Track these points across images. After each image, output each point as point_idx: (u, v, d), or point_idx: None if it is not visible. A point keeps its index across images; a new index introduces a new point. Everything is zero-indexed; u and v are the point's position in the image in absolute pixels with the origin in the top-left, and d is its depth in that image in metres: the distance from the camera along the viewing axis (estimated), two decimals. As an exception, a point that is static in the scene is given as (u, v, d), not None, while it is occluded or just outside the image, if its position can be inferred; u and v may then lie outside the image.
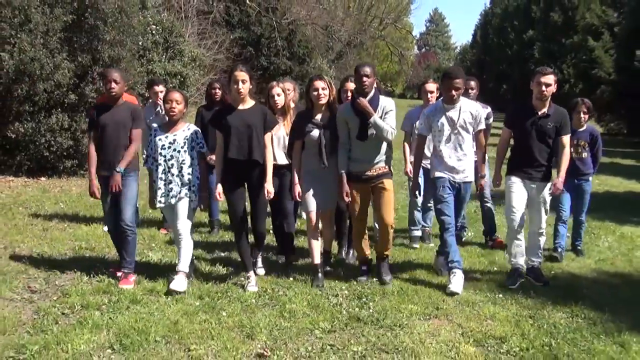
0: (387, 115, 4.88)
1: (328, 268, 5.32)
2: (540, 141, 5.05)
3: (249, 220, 5.08)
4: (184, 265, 4.83)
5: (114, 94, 4.99)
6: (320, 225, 5.21)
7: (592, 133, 6.02)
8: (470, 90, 6.10)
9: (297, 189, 5.09)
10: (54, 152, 10.01)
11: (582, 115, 5.86)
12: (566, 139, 5.12)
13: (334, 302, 4.53)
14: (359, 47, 40.21)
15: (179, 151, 4.89)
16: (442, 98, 5.14)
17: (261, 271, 5.24)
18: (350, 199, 4.99)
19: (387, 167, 5.02)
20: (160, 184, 4.90)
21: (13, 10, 9.24)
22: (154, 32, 18.61)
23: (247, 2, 27.32)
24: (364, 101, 4.78)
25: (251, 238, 5.13)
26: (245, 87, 4.76)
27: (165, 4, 23.52)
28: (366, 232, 5.19)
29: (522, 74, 31.69)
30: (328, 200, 5.14)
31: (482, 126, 5.12)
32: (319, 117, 5.03)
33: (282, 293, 4.70)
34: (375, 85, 5.00)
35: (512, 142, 5.37)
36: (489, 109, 6.26)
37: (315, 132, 4.98)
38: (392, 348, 3.69)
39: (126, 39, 10.95)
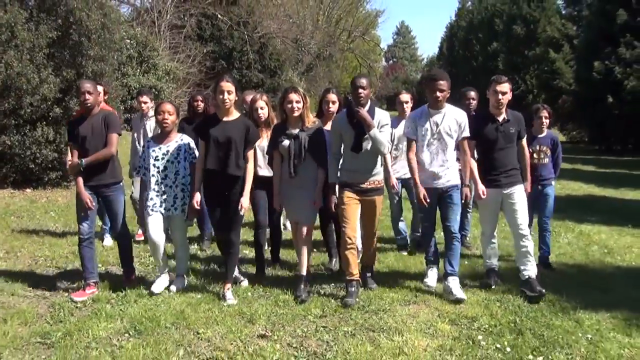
0: (383, 129, 4.88)
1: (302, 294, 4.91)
2: (507, 146, 5.11)
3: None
4: (181, 268, 5.16)
5: (88, 104, 4.97)
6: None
7: (552, 139, 6.06)
8: (471, 101, 6.24)
9: (277, 199, 5.15)
10: (39, 164, 10.26)
11: (543, 120, 5.91)
12: (524, 141, 5.32)
13: (322, 292, 4.99)
14: (329, 59, 40.80)
15: (172, 162, 4.98)
16: (427, 103, 5.10)
17: (231, 299, 4.78)
18: (335, 209, 4.97)
19: (381, 182, 5.05)
20: (153, 194, 4.95)
21: (0, 28, 9.53)
22: (128, 46, 18.92)
23: (219, 16, 27.67)
24: (365, 112, 4.77)
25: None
26: (230, 98, 4.77)
27: (139, 18, 23.86)
28: (354, 243, 4.95)
29: (487, 85, 32.57)
30: (301, 213, 5.09)
31: (466, 133, 5.03)
32: (292, 128, 5.04)
33: (274, 288, 5.09)
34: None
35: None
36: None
37: (286, 143, 4.99)
38: (378, 328, 4.17)
39: (108, 54, 11.31)
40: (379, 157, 4.99)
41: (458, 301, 4.73)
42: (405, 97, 6.48)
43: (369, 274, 5.25)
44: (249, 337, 3.99)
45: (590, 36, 21.95)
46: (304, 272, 5.02)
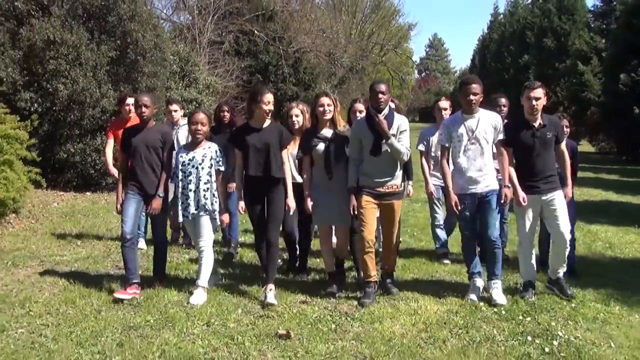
0: (402, 135, 4.98)
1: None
2: (544, 152, 5.04)
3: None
4: (203, 280, 5.06)
5: (145, 117, 5.26)
6: (334, 240, 5.46)
7: (572, 146, 5.98)
8: (502, 107, 6.16)
9: (309, 202, 5.23)
10: (98, 170, 11.41)
11: (564, 128, 5.76)
12: (564, 145, 5.24)
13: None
14: (361, 72, 41.62)
15: (196, 168, 5.12)
16: (461, 109, 5.15)
17: (271, 299, 4.88)
18: (355, 212, 5.01)
19: (400, 186, 5.07)
20: (182, 199, 5.16)
21: (68, 48, 10.74)
22: (171, 62, 20.17)
23: (256, 32, 28.82)
24: (383, 122, 4.86)
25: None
26: (270, 109, 5.07)
27: (181, 36, 25.20)
28: (372, 247, 5.00)
29: (518, 97, 33.08)
30: (339, 215, 5.18)
31: (502, 136, 5.07)
32: (324, 132, 5.21)
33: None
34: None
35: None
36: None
37: (321, 146, 5.15)
38: (398, 298, 5.04)
39: (160, 71, 12.50)
40: (398, 162, 5.03)
41: (499, 306, 4.77)
42: (444, 104, 6.52)
43: (389, 280, 5.26)
44: (292, 302, 4.91)
45: (617, 49, 22.41)
46: (331, 269, 5.32)
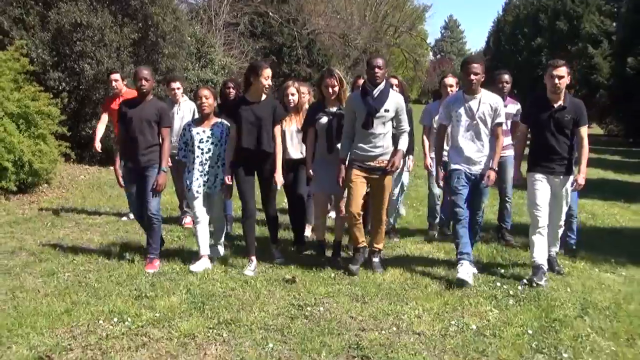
0: (400, 113, 5.07)
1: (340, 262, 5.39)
2: (559, 134, 4.92)
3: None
4: (219, 238, 5.52)
5: (144, 90, 5.25)
6: (332, 214, 5.81)
7: None
8: (505, 84, 6.10)
9: (310, 171, 5.43)
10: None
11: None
12: (584, 130, 5.00)
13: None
14: (375, 54, 41.86)
15: (216, 144, 5.29)
16: (462, 88, 5.15)
17: (280, 261, 5.38)
18: (342, 184, 5.12)
19: (390, 161, 5.07)
20: (197, 174, 5.26)
21: (93, 30, 11.44)
22: (189, 43, 20.81)
23: (270, 14, 29.31)
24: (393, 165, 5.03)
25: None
26: (270, 84, 5.20)
27: (197, 17, 25.81)
28: (360, 219, 5.12)
29: (531, 79, 33.45)
30: (335, 185, 5.25)
31: (500, 119, 5.06)
32: (329, 107, 5.34)
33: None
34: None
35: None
36: (519, 106, 6.20)
37: (324, 119, 5.28)
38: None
39: (178, 52, 13.19)
40: (388, 136, 5.09)
41: (461, 283, 4.71)
42: (451, 80, 6.36)
43: (375, 259, 5.25)
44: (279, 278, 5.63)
45: (626, 33, 22.71)
46: (321, 237, 5.64)
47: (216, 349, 3.48)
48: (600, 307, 4.34)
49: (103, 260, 5.39)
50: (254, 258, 5.22)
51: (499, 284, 4.81)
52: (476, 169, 5.04)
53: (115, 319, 3.87)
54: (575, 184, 5.03)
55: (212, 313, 4.05)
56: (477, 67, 4.94)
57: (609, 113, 26.54)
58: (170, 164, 5.98)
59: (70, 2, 11.67)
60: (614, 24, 27.19)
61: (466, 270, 4.79)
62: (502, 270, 5.22)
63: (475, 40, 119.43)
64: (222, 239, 5.62)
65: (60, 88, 11.24)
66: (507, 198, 6.35)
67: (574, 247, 5.91)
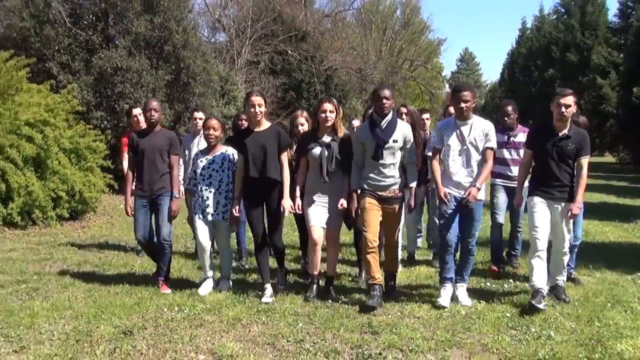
0: (408, 143, 5.10)
1: (333, 294, 5.28)
2: (561, 162, 5.01)
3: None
4: (226, 270, 5.62)
5: (153, 120, 5.47)
6: (323, 243, 5.37)
7: None
8: (509, 116, 6.19)
9: (298, 201, 5.25)
10: (156, 177, 13.32)
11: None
12: (585, 160, 5.05)
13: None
14: (382, 84, 42.61)
15: (217, 171, 5.40)
16: (455, 115, 5.22)
17: (282, 288, 5.49)
18: (356, 215, 5.14)
19: (401, 192, 5.14)
20: (200, 201, 5.42)
21: (132, 73, 12.71)
22: (215, 82, 22.15)
23: (289, 52, 30.62)
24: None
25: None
26: (260, 111, 5.14)
27: (221, 56, 27.26)
28: (375, 247, 5.02)
29: (543, 110, 34.24)
30: (330, 218, 5.24)
31: (491, 144, 5.07)
32: (323, 137, 5.21)
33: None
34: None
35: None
36: None
37: (317, 150, 5.15)
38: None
39: (207, 91, 14.41)
40: (397, 167, 5.10)
41: (440, 307, 4.89)
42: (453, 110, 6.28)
43: (391, 283, 5.37)
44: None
45: (631, 64, 23.65)
46: (315, 272, 5.31)
47: (257, 328, 4.41)
48: (571, 299, 5.19)
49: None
50: (269, 286, 5.24)
51: (489, 283, 5.71)
52: (465, 194, 5.01)
53: (176, 309, 4.83)
54: (569, 212, 4.99)
55: (252, 304, 4.99)
56: (467, 94, 4.99)
57: (620, 141, 27.31)
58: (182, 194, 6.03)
59: (111, 48, 12.99)
60: (621, 55, 28.12)
61: (447, 295, 5.02)
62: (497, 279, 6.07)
63: (491, 71, 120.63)
64: (229, 271, 5.68)
65: (102, 126, 12.46)
66: (518, 227, 6.42)
67: (573, 275, 5.93)
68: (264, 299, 5.09)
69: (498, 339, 4.18)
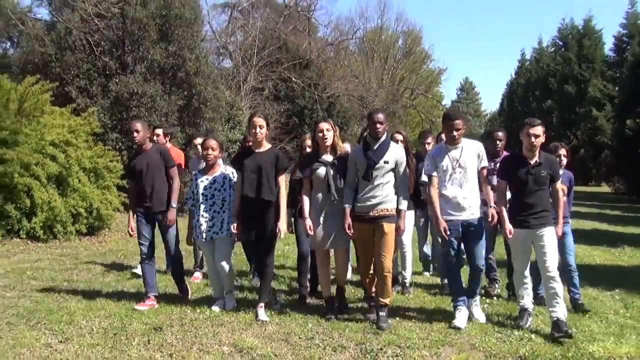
0: (399, 166, 5.20)
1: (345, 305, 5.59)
2: (537, 188, 5.12)
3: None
4: (229, 286, 5.68)
5: (137, 141, 5.65)
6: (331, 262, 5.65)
7: (569, 177, 6.13)
8: (498, 142, 6.25)
9: (308, 222, 5.29)
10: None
11: (562, 158, 5.93)
12: (559, 185, 5.32)
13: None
14: (392, 115, 43.45)
15: (219, 190, 5.53)
16: (445, 141, 5.37)
17: (277, 307, 5.57)
18: (352, 232, 5.20)
19: (391, 209, 5.16)
20: (203, 220, 5.47)
21: (146, 98, 13.38)
22: (224, 108, 22.86)
23: (293, 79, 31.41)
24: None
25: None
26: (262, 132, 5.28)
27: (227, 83, 28.06)
28: (373, 277, 5.31)
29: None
30: (337, 240, 5.30)
31: (484, 163, 5.29)
32: (324, 157, 5.32)
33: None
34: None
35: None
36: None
37: (322, 170, 5.25)
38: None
39: (216, 116, 15.09)
40: (389, 186, 5.19)
41: (456, 329, 5.01)
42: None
43: (382, 313, 5.14)
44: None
45: (625, 96, 24.42)
46: (327, 294, 5.50)
47: (272, 327, 4.97)
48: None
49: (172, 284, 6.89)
50: (262, 304, 5.31)
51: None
52: (466, 215, 5.18)
53: (198, 311, 5.39)
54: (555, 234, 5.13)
55: (238, 340, 4.87)
56: (459, 123, 5.17)
57: (615, 172, 27.95)
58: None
59: (127, 74, 13.70)
60: (616, 88, 28.94)
61: (462, 317, 5.15)
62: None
63: (490, 101, 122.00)
64: (232, 287, 5.78)
65: (117, 147, 13.09)
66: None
67: (580, 301, 5.96)
68: (261, 317, 5.19)
69: (485, 340, 4.75)
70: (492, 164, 6.06)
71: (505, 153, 6.33)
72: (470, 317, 5.26)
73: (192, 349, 4.42)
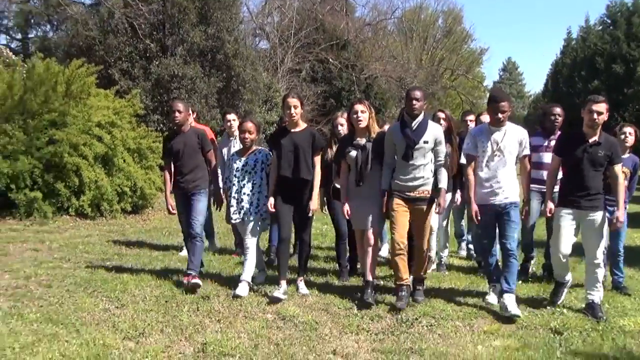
0: (438, 145, 5.09)
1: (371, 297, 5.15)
2: (591, 169, 4.89)
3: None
4: (247, 275, 5.39)
5: (177, 121, 5.66)
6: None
7: (634, 162, 5.80)
8: (557, 117, 6.06)
9: (346, 207, 5.31)
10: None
11: (628, 136, 5.72)
12: (618, 168, 4.97)
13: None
14: (431, 96, 42.91)
15: (250, 172, 5.52)
16: (489, 122, 5.20)
17: (303, 289, 5.42)
18: (388, 216, 5.12)
19: (430, 191, 5.09)
20: (233, 202, 5.52)
21: (187, 80, 13.69)
22: (260, 89, 23.09)
23: (330, 60, 31.36)
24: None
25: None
26: (297, 112, 5.29)
27: (264, 64, 28.27)
28: (404, 249, 5.04)
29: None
30: (366, 220, 5.19)
31: (527, 152, 5.11)
32: (359, 139, 5.24)
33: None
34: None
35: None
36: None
37: (353, 153, 5.19)
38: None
39: (255, 98, 15.32)
40: (428, 167, 5.09)
41: (513, 317, 4.75)
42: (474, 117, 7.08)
43: (418, 287, 5.28)
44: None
45: (673, 75, 23.64)
46: (369, 278, 5.21)
47: (312, 299, 5.21)
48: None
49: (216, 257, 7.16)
50: (284, 282, 5.29)
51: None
52: (499, 199, 5.01)
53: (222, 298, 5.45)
54: (616, 222, 4.98)
55: (281, 309, 4.97)
56: (505, 105, 4.94)
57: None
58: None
59: (168, 56, 14.01)
60: (666, 67, 28.01)
61: (495, 295, 5.11)
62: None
63: (534, 81, 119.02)
64: (262, 265, 5.85)
65: (159, 128, 13.45)
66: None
67: (623, 284, 5.85)
68: (275, 293, 5.12)
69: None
70: (548, 141, 6.02)
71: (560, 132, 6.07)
72: (506, 312, 4.89)
73: (238, 316, 4.70)
